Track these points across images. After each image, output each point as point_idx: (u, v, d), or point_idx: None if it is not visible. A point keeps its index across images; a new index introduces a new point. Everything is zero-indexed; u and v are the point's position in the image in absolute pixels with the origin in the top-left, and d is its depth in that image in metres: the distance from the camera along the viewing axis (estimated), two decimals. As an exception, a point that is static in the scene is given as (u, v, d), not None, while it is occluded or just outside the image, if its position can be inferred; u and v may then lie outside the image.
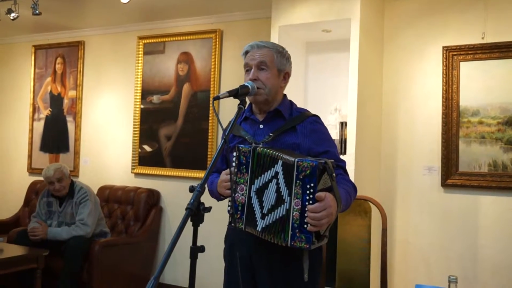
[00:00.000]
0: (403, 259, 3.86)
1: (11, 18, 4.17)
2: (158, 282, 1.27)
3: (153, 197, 4.80)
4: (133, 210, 4.73)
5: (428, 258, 3.76)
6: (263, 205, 1.79)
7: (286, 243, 1.72)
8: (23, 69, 5.90)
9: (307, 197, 1.69)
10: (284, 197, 1.74)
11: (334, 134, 3.74)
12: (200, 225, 1.54)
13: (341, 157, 2.07)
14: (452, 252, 3.68)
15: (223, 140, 1.70)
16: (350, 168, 3.35)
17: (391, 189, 3.92)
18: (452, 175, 3.69)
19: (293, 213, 1.71)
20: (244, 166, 1.84)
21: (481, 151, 3.61)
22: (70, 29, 5.46)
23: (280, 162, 1.76)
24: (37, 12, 4.07)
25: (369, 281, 3.04)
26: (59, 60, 5.60)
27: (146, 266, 4.64)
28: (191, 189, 1.53)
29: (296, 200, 1.71)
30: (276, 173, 1.77)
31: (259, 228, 1.79)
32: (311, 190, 1.68)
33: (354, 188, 1.93)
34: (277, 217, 1.75)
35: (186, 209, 1.47)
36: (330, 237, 2.06)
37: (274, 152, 1.79)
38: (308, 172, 1.68)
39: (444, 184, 3.71)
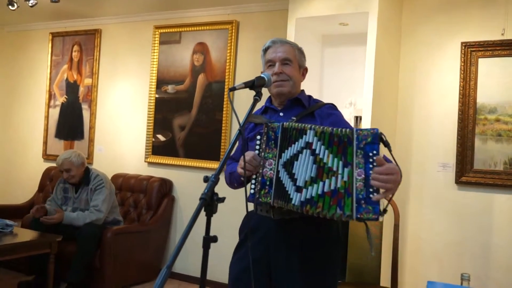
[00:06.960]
0: (414, 255, 3.84)
1: (30, 4, 4.19)
2: (170, 271, 1.28)
3: (166, 186, 4.83)
4: (145, 199, 4.76)
5: (440, 255, 3.74)
6: (296, 177, 1.76)
7: (349, 217, 1.64)
8: (40, 56, 5.95)
9: (370, 165, 1.63)
10: (333, 168, 1.69)
11: (349, 128, 3.71)
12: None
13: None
14: (465, 250, 3.65)
15: (238, 131, 1.70)
16: (364, 163, 3.34)
17: (405, 184, 3.89)
18: (467, 172, 3.65)
19: (356, 184, 1.64)
20: (272, 141, 1.83)
21: (497, 149, 3.57)
22: (87, 17, 5.49)
23: (310, 133, 1.75)
24: (55, -1, 4.09)
25: (380, 276, 3.04)
26: (75, 47, 5.64)
27: (157, 255, 4.68)
28: (206, 179, 1.54)
29: (359, 170, 1.64)
30: (307, 143, 1.75)
31: (296, 202, 1.74)
32: (374, 158, 1.62)
33: None
34: (327, 190, 1.69)
35: (200, 199, 1.46)
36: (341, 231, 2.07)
37: (300, 124, 1.79)
38: (369, 139, 1.64)
39: (459, 182, 3.67)
